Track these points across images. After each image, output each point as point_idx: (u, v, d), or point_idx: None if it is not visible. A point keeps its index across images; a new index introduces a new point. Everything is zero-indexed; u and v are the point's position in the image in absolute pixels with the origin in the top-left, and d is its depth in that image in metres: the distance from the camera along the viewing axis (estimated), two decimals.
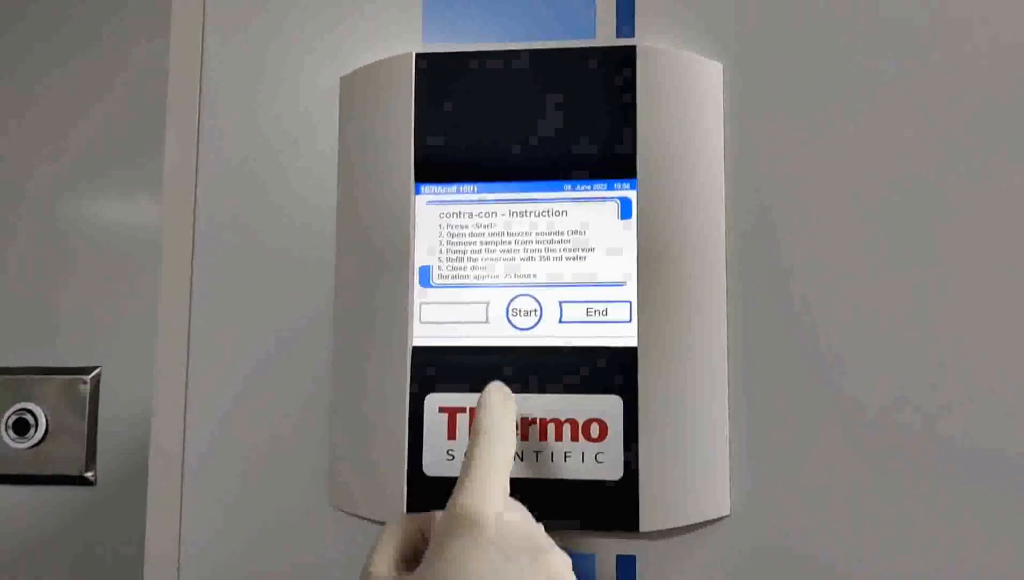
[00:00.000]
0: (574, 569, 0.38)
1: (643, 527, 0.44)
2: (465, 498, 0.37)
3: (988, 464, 0.44)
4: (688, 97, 0.47)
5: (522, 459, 0.45)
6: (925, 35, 0.47)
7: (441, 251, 0.47)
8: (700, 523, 0.45)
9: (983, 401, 0.44)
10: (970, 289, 0.45)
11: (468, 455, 0.39)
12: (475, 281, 0.47)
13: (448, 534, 0.36)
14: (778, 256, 0.47)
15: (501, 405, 0.41)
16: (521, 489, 0.41)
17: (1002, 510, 0.44)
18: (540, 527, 0.39)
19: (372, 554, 0.39)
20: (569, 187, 0.47)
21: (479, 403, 0.41)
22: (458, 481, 0.38)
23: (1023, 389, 0.44)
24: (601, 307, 0.46)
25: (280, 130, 0.51)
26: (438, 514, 0.39)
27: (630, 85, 0.47)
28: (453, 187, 0.48)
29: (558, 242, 0.47)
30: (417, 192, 0.48)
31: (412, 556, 0.39)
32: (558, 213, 0.47)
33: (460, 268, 0.47)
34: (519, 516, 0.38)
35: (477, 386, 0.45)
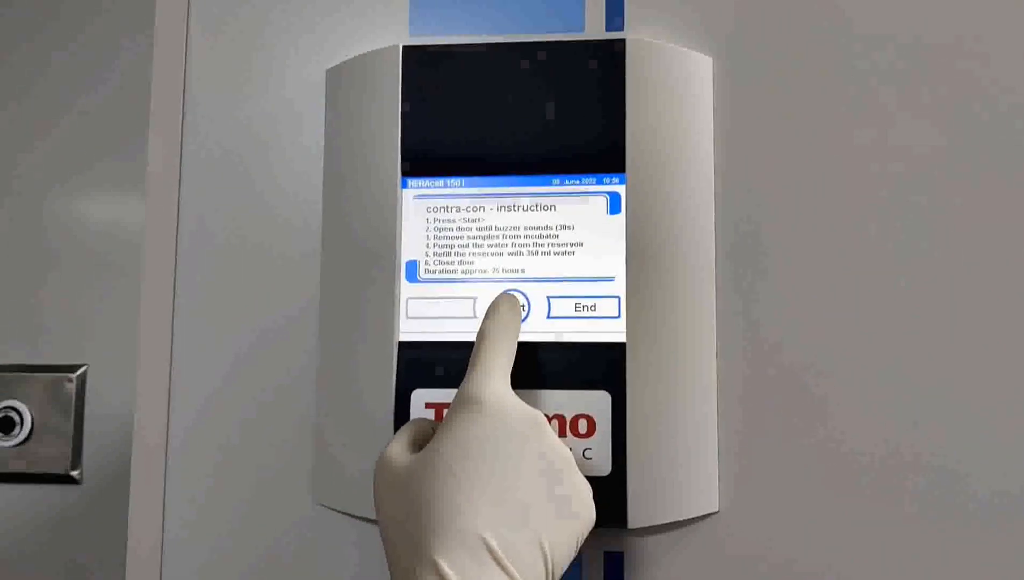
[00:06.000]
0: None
1: (631, 523, 0.44)
2: (468, 386, 0.40)
3: (981, 461, 0.44)
4: (678, 91, 0.47)
5: None
6: (917, 28, 0.47)
7: (428, 246, 0.47)
8: (689, 519, 0.45)
9: (976, 399, 0.44)
10: (968, 278, 0.45)
11: (472, 356, 0.42)
12: (462, 276, 0.47)
13: (452, 415, 0.40)
14: (768, 251, 0.46)
15: (508, 314, 0.43)
16: None
17: (993, 502, 0.44)
18: (542, 415, 0.40)
19: (388, 443, 0.42)
20: (557, 181, 0.47)
21: (488, 309, 0.43)
22: (463, 379, 0.41)
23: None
24: (590, 302, 0.46)
25: (265, 124, 0.50)
26: None
27: (620, 79, 0.46)
28: (440, 181, 0.47)
29: (546, 237, 0.46)
30: (404, 186, 0.47)
31: (424, 446, 0.41)
32: (546, 208, 0.47)
33: (447, 263, 0.47)
34: (520, 402, 0.40)
35: None
